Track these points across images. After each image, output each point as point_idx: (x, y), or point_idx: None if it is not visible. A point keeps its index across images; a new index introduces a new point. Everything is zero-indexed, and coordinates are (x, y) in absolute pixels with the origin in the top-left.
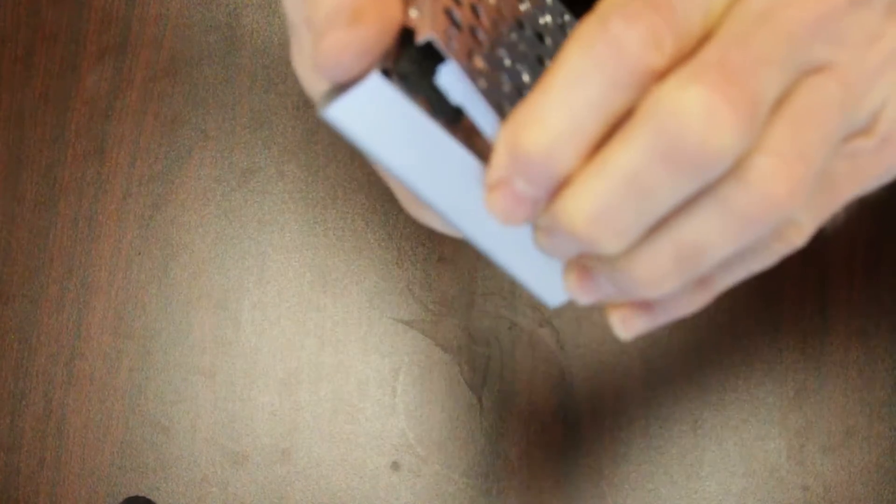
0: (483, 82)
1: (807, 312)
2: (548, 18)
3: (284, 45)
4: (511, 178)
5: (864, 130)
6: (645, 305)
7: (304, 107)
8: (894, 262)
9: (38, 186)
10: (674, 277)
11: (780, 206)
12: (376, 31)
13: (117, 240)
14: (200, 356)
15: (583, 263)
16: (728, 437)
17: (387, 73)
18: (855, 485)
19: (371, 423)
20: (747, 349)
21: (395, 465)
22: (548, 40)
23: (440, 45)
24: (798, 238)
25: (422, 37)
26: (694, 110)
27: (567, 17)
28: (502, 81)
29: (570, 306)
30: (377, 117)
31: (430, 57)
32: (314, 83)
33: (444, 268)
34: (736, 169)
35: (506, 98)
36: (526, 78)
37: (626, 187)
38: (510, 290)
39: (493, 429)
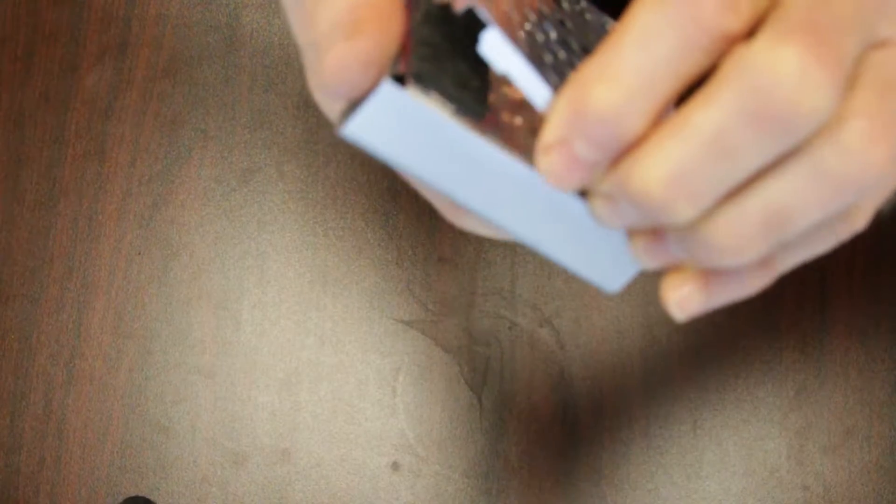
0: (527, 49)
1: (806, 312)
2: (565, 5)
3: (284, 46)
4: (571, 138)
5: None
6: (704, 284)
7: (304, 107)
8: (894, 263)
9: (38, 186)
10: (758, 243)
11: (876, 171)
12: (377, 41)
13: (117, 240)
14: (200, 356)
15: (654, 227)
16: (728, 437)
17: (399, 78)
18: (855, 484)
19: (371, 423)
20: (747, 349)
21: (395, 465)
22: (569, 24)
23: (482, 11)
24: (860, 220)
25: (461, 5)
26: (787, 69)
27: (584, 3)
28: (543, 54)
29: (569, 306)
30: (396, 126)
31: (446, 49)
32: (330, 104)
33: (444, 268)
34: (829, 131)
35: (550, 69)
36: (562, 55)
37: (708, 149)
38: (510, 290)
39: (493, 429)
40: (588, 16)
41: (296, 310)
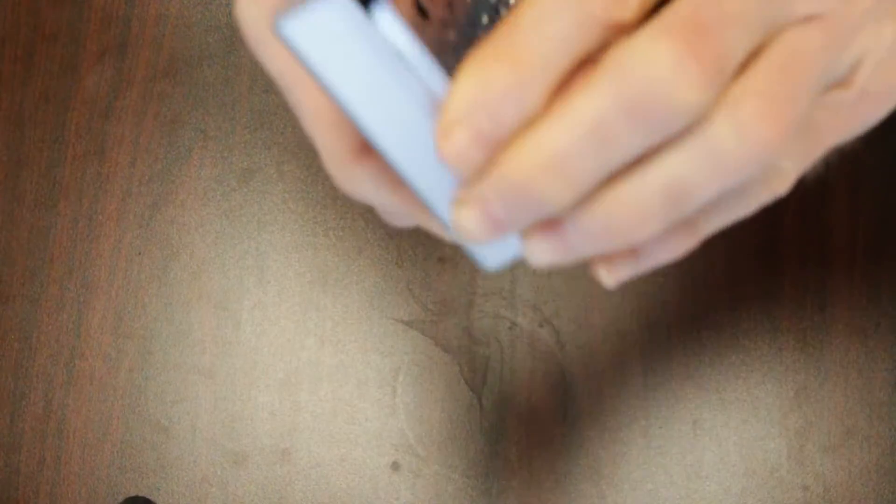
0: (431, 30)
1: (807, 312)
2: None
3: None
4: (473, 114)
5: (844, 82)
6: (630, 252)
7: None
8: (894, 263)
9: (38, 186)
10: (659, 218)
11: (769, 148)
12: None
13: (117, 240)
14: (200, 356)
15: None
16: (728, 437)
17: None
18: (855, 484)
19: (371, 423)
20: (747, 349)
21: (395, 465)
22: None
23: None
24: (781, 185)
25: None
26: (662, 64)
27: None
28: (456, 26)
29: (569, 306)
30: (334, 39)
31: None
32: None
33: (444, 268)
34: (724, 110)
35: (451, 49)
36: (484, 21)
37: (587, 136)
38: (510, 290)
39: (493, 429)
40: None
41: (296, 310)
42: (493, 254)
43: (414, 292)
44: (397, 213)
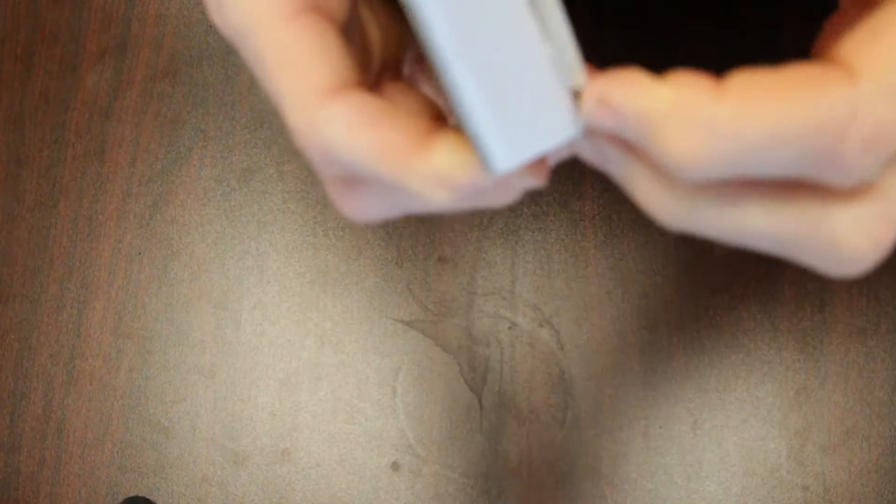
0: None
1: (806, 312)
2: None
3: None
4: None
5: None
6: None
7: None
8: (894, 263)
9: (38, 186)
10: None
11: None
12: None
13: (117, 240)
14: (200, 356)
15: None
16: (728, 437)
17: None
18: (855, 485)
19: (371, 423)
20: (747, 349)
21: (395, 465)
22: None
23: None
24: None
25: None
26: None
27: None
28: None
29: (569, 306)
30: None
31: None
32: None
33: (444, 268)
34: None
35: None
36: None
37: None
38: (510, 290)
39: (493, 429)
40: None
41: (296, 310)
42: (509, 150)
43: (414, 292)
44: (357, 175)
